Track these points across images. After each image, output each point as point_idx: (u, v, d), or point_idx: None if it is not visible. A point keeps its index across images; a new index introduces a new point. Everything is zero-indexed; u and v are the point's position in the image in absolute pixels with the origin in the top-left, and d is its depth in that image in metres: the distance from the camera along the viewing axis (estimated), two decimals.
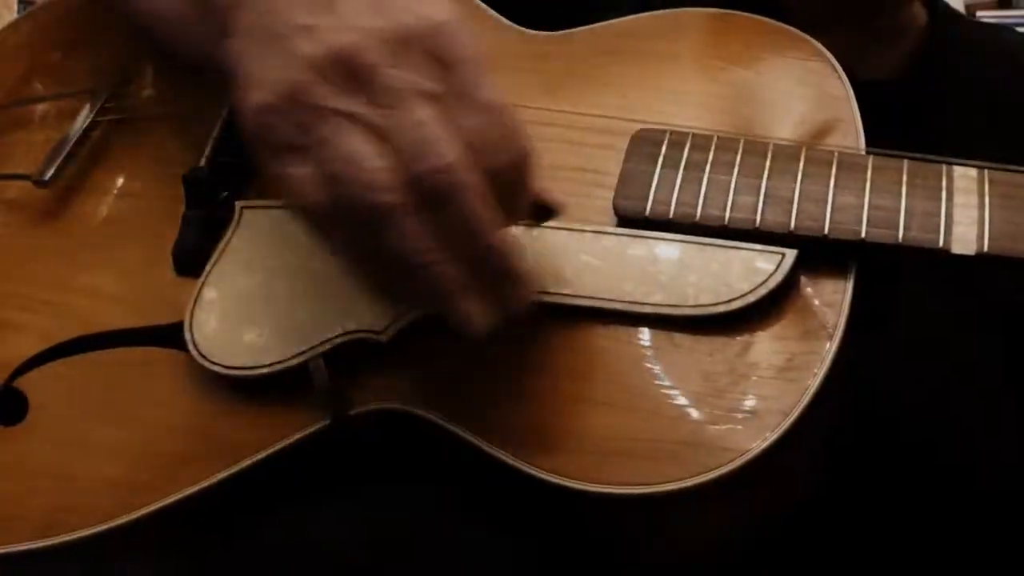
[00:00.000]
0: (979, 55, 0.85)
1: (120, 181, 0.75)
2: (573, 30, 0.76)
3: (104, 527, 0.62)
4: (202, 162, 0.72)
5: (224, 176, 0.71)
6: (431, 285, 0.55)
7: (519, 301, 0.58)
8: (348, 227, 0.55)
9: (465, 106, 0.55)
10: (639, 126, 0.68)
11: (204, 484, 0.63)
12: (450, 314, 0.56)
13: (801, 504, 0.64)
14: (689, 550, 0.64)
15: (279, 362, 0.64)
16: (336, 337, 0.63)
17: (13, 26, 0.87)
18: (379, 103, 0.54)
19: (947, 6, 0.88)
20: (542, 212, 0.62)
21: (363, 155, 0.54)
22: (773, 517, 0.64)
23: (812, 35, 0.72)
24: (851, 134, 0.67)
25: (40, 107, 0.80)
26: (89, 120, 0.77)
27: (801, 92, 0.70)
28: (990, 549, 0.72)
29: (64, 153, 0.75)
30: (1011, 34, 0.92)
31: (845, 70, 0.70)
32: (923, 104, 0.80)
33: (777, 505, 0.64)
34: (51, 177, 0.74)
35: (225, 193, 0.70)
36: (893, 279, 0.67)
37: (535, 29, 0.76)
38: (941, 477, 0.71)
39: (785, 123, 0.69)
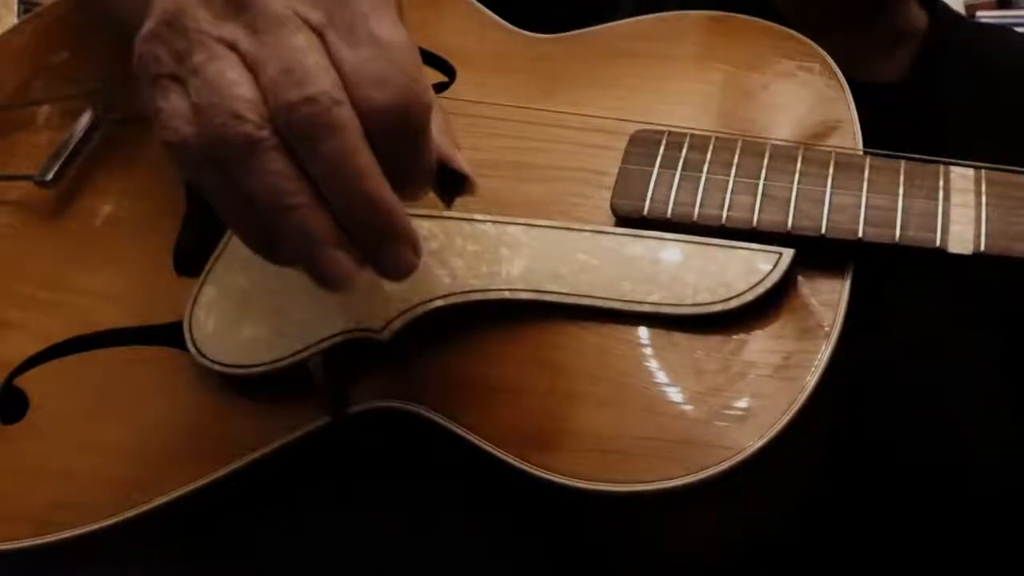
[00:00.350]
0: (979, 56, 0.86)
1: (121, 181, 0.75)
2: (573, 32, 0.76)
3: (102, 525, 0.62)
4: None
5: None
6: (294, 233, 0.51)
7: (397, 263, 0.54)
8: (212, 165, 0.51)
9: (350, 38, 0.51)
10: (637, 127, 0.69)
11: (202, 482, 0.63)
12: (312, 269, 0.52)
13: (798, 503, 0.64)
14: (687, 549, 0.64)
15: (278, 360, 0.64)
16: (335, 336, 0.64)
17: (17, 28, 0.88)
18: (257, 29, 0.51)
19: (947, 8, 0.88)
20: (452, 182, 0.59)
21: (231, 82, 0.50)
22: (770, 516, 0.64)
23: (810, 39, 0.72)
24: (849, 135, 0.68)
25: (43, 108, 0.80)
26: (91, 121, 0.77)
27: (799, 94, 0.70)
28: (987, 549, 0.72)
29: (66, 154, 0.75)
30: (1011, 34, 0.92)
31: (845, 74, 0.70)
32: (923, 107, 0.80)
33: (774, 504, 0.64)
34: (53, 177, 0.74)
35: None
36: (890, 278, 0.67)
37: (535, 32, 0.77)
38: (937, 476, 0.71)
39: (783, 124, 0.69)
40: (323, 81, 0.50)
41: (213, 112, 0.50)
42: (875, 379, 0.69)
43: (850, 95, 0.69)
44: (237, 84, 0.50)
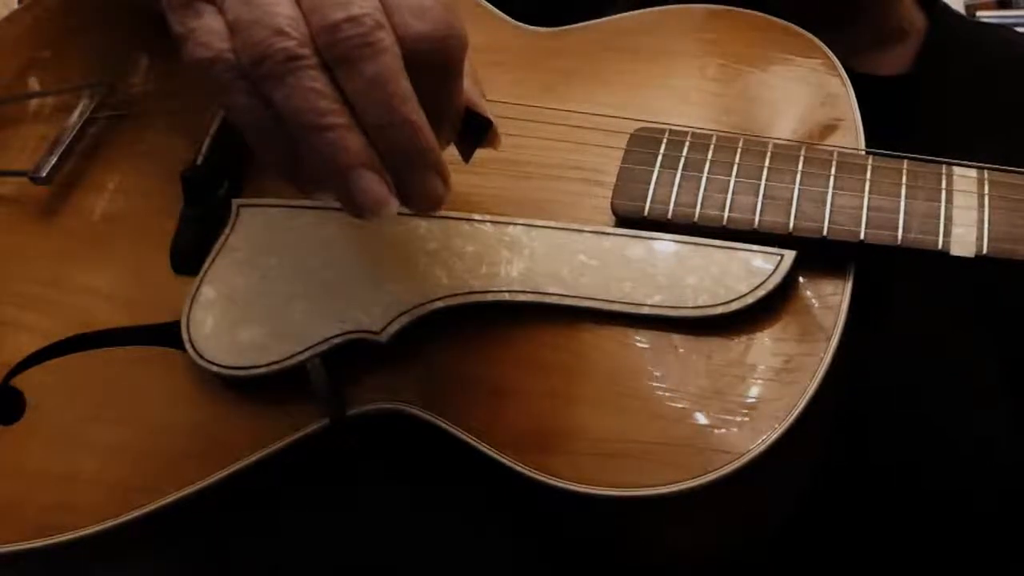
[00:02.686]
0: (980, 55, 0.85)
1: (117, 178, 0.74)
2: (572, 26, 0.76)
3: (101, 527, 0.62)
4: (199, 160, 0.71)
5: (221, 174, 0.71)
6: (327, 154, 0.51)
7: (428, 193, 0.54)
8: (246, 83, 0.51)
9: None
10: (638, 124, 0.68)
11: (201, 484, 0.62)
12: (344, 192, 0.52)
13: (798, 503, 0.64)
14: (686, 550, 0.64)
15: (276, 362, 0.63)
16: (334, 337, 0.63)
17: (12, 18, 0.86)
18: None
19: (947, 7, 0.88)
20: (475, 135, 0.59)
21: (273, 1, 0.51)
22: (770, 516, 0.64)
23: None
24: (851, 133, 0.67)
25: (37, 102, 0.79)
26: (86, 116, 0.76)
27: (802, 91, 0.70)
28: (987, 548, 0.72)
29: (61, 149, 0.74)
30: (1011, 34, 0.92)
31: (845, 69, 0.70)
32: (923, 102, 0.79)
33: (774, 505, 0.64)
34: (48, 174, 0.73)
35: (223, 191, 0.70)
36: (891, 279, 0.67)
37: (534, 25, 0.76)
38: (936, 476, 0.71)
39: (785, 122, 0.68)
40: (367, 3, 0.50)
41: (254, 28, 0.50)
42: (874, 378, 0.69)
43: (853, 93, 0.68)
44: (279, 3, 0.51)
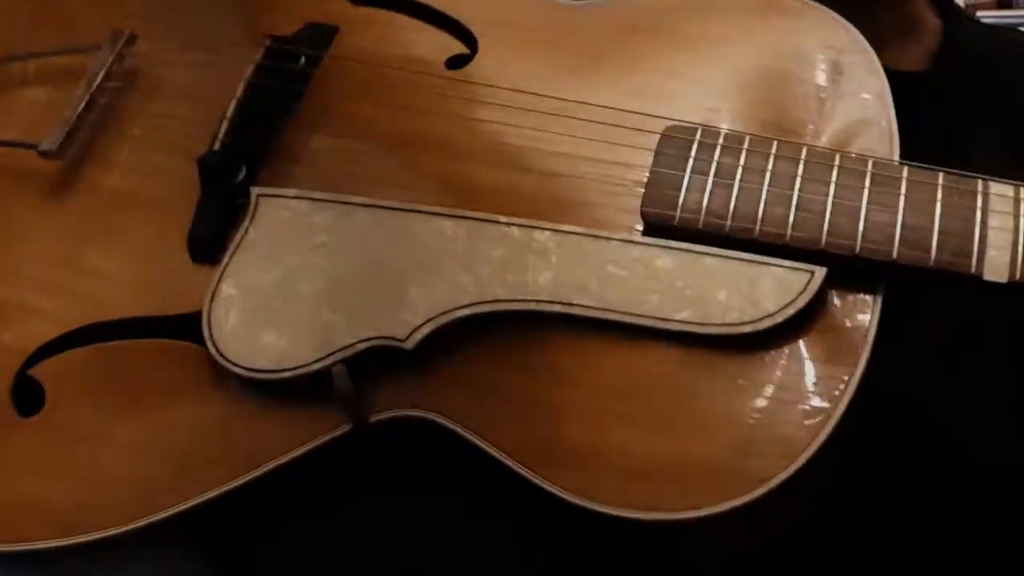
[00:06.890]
0: (994, 56, 0.84)
1: (130, 153, 0.72)
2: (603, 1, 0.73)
3: (125, 528, 0.62)
4: (216, 145, 0.69)
5: (239, 159, 0.69)
6: None
7: None
8: None
9: None
10: (669, 120, 0.66)
11: (224, 488, 0.62)
12: None
13: (812, 517, 0.65)
14: (696, 564, 0.64)
15: (300, 367, 0.63)
16: (359, 343, 0.63)
17: None
18: None
19: (961, 9, 0.86)
20: None
21: None
22: (785, 531, 0.64)
23: None
24: (885, 137, 0.66)
25: (42, 63, 0.76)
26: (97, 83, 0.73)
27: (838, 88, 0.68)
28: (996, 557, 0.73)
29: (71, 121, 0.71)
30: (1018, 35, 0.90)
31: None
32: (936, 100, 0.78)
33: (790, 519, 0.64)
34: (59, 148, 0.71)
35: (241, 177, 0.68)
36: (918, 295, 0.66)
37: None
38: (945, 487, 0.72)
39: (819, 120, 0.67)
40: None
41: None
42: (885, 389, 0.68)
43: (889, 93, 0.67)
44: None
